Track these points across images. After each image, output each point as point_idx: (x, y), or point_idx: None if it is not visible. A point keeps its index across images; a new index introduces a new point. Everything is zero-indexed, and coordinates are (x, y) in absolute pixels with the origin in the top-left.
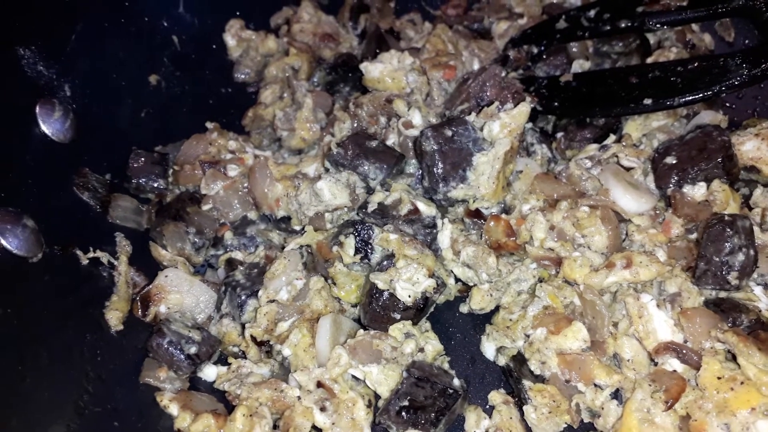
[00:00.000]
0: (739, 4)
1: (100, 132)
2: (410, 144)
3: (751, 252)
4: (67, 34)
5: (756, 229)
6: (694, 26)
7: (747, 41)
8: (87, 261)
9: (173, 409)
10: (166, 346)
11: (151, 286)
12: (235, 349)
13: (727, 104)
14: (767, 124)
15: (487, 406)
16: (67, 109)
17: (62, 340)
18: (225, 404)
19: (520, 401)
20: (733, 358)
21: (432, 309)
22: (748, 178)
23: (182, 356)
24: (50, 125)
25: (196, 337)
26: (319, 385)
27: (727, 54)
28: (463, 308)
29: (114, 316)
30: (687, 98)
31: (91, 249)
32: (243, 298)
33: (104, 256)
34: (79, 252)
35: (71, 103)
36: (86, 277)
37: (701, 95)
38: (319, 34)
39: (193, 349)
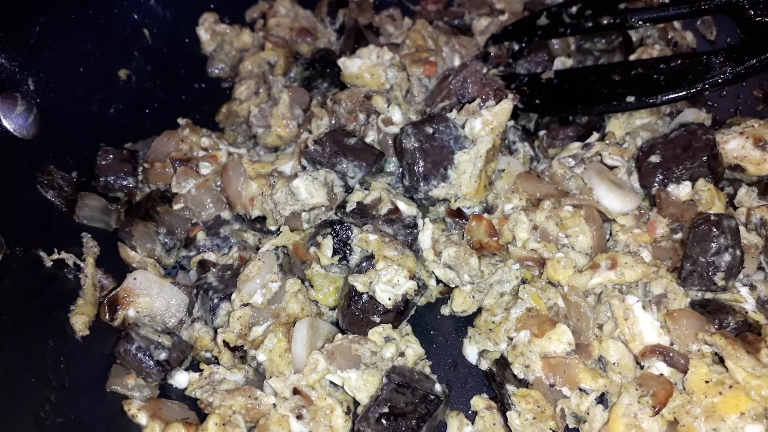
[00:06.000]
0: (721, 1)
1: (66, 128)
2: (390, 141)
3: (738, 252)
4: (30, 26)
5: (741, 228)
6: (676, 24)
7: (729, 39)
8: (51, 263)
9: (142, 419)
10: (134, 351)
11: (119, 289)
12: (208, 355)
13: (710, 102)
14: (751, 123)
15: (470, 412)
16: (30, 103)
17: (22, 347)
18: (197, 412)
19: (504, 407)
20: (721, 361)
21: (413, 311)
22: (733, 177)
23: (151, 362)
24: (12, 120)
25: (167, 343)
26: (296, 391)
27: (710, 52)
28: (445, 310)
29: (79, 321)
30: (670, 96)
31: (56, 250)
32: (215, 301)
33: (70, 258)
34: (42, 253)
35: (35, 97)
36: (50, 280)
37: (684, 93)
38: (295, 28)
39: (162, 355)
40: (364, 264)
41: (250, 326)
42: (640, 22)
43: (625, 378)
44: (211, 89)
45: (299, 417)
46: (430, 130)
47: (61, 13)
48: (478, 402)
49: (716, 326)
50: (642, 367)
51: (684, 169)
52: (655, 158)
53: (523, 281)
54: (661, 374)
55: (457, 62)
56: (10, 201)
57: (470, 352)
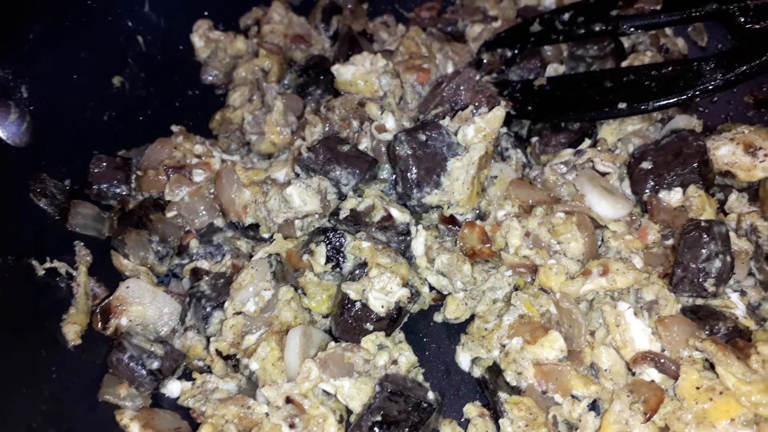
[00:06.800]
0: (712, 8)
1: (59, 136)
2: (383, 148)
3: (728, 258)
4: (24, 34)
5: (732, 234)
6: (668, 31)
7: (720, 46)
8: (43, 272)
9: (134, 428)
10: (126, 361)
11: (111, 298)
12: (200, 364)
13: (701, 109)
14: (742, 129)
15: (463, 420)
16: (23, 111)
17: (14, 357)
18: (189, 422)
19: (496, 414)
20: (712, 367)
21: (406, 319)
22: (723, 183)
23: (144, 372)
24: (5, 128)
25: (159, 352)
26: (289, 400)
27: (701, 58)
28: (438, 317)
29: (72, 330)
30: (661, 102)
31: (48, 259)
32: (208, 309)
33: (62, 267)
34: (35, 262)
35: (28, 105)
36: (42, 289)
37: (675, 99)
38: (289, 35)
39: (155, 364)
40: (357, 271)
41: (242, 335)
42: (632, 29)
43: (617, 384)
44: (204, 96)
45: (292, 426)
46: (423, 137)
47: (55, 20)
48: (471, 409)
49: (707, 332)
50: (633, 374)
51: (675, 175)
52: (646, 164)
53: (516, 288)
54: (653, 381)
55: (450, 69)
56: (3, 209)
57: (463, 359)
